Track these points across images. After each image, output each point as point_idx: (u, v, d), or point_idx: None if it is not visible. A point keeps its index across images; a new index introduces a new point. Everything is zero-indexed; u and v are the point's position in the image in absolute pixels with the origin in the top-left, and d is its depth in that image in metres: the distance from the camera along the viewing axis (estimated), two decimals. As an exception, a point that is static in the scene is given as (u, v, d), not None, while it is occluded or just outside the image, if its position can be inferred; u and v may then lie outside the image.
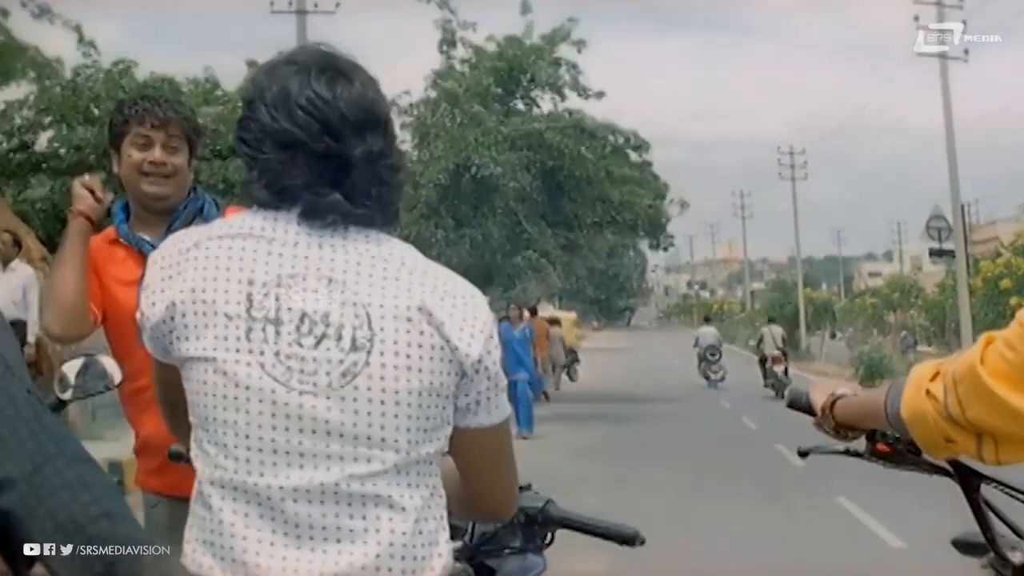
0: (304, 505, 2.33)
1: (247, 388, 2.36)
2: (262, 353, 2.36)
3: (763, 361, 36.03)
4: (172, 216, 4.36)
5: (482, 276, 33.89)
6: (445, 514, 2.49)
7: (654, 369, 45.99)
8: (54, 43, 27.25)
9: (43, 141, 26.26)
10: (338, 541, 2.33)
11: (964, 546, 3.37)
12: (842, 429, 3.13)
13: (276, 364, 2.36)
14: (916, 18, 37.20)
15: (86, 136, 24.64)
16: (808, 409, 3.23)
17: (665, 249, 47.51)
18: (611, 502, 14.04)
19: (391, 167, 2.48)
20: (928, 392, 2.54)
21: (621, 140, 34.27)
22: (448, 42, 33.60)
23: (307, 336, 2.36)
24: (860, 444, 3.27)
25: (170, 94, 26.65)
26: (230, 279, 2.40)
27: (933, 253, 39.45)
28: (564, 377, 38.01)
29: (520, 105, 34.49)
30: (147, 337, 2.52)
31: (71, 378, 4.16)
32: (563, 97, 33.74)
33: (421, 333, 2.38)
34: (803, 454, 3.57)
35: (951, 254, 37.35)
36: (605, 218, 34.59)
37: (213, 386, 2.39)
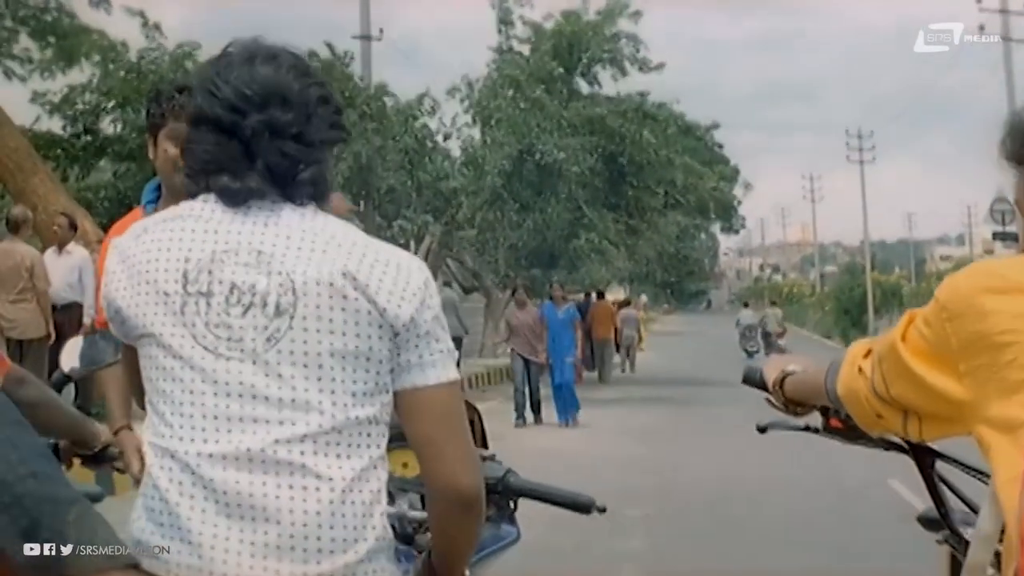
0: (233, 473, 2.40)
1: (180, 358, 2.46)
2: (194, 325, 2.46)
3: (766, 335, 42.28)
4: None
5: (545, 259, 33.93)
6: (383, 487, 2.52)
7: (718, 352, 45.92)
8: (118, 27, 27.35)
9: (107, 125, 26.44)
10: (264, 509, 2.39)
11: (926, 522, 3.39)
12: (791, 405, 3.14)
13: (206, 334, 2.46)
14: (979, 0, 36.91)
15: (150, 120, 24.74)
16: (762, 385, 3.24)
17: (736, 232, 47.48)
18: (658, 483, 14.08)
19: (296, 139, 2.53)
20: (860, 370, 2.56)
21: (682, 124, 34.24)
22: (505, 22, 33.61)
23: (235, 306, 2.46)
24: (818, 420, 3.28)
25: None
26: (170, 259, 2.51)
27: (996, 236, 39.10)
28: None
29: (582, 84, 34.47)
30: (108, 320, 2.65)
31: (76, 352, 4.23)
32: (623, 71, 33.70)
33: (344, 297, 2.45)
34: (762, 429, 3.59)
35: (1014, 237, 36.95)
36: (669, 201, 34.55)
37: (154, 360, 2.51)
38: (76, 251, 14.88)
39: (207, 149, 2.53)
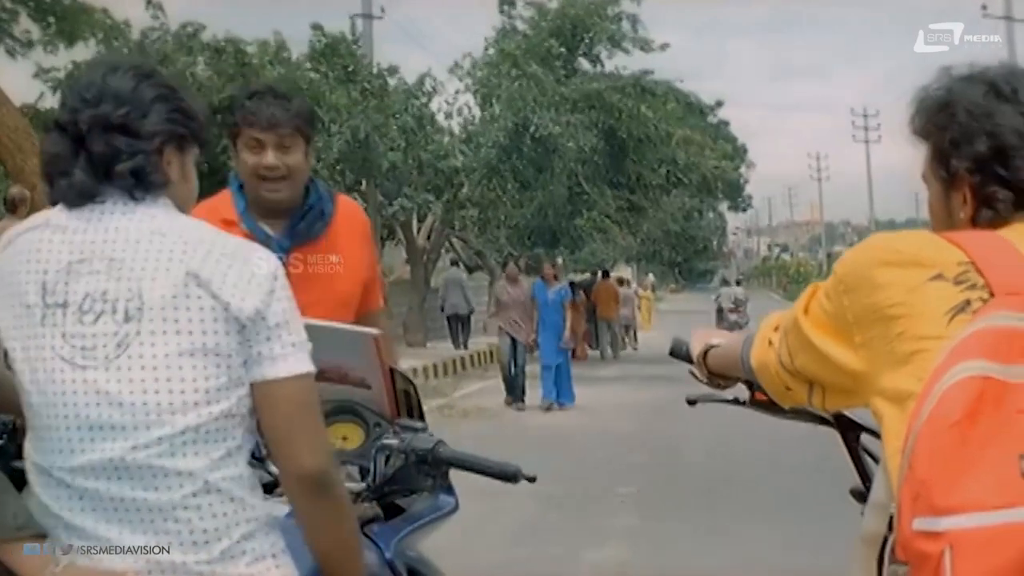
0: (103, 483, 2.49)
1: (43, 372, 2.53)
2: (53, 337, 2.53)
3: (720, 311, 41.30)
4: (291, 213, 4.38)
5: (548, 237, 33.89)
6: (243, 471, 2.59)
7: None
8: (122, 5, 27.30)
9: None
10: (138, 511, 2.48)
11: (858, 495, 3.43)
12: (714, 378, 3.20)
13: (63, 345, 2.52)
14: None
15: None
16: (688, 357, 3.29)
17: (743, 210, 47.29)
18: (653, 461, 14.11)
19: (123, 131, 2.59)
20: (770, 342, 2.62)
21: (684, 102, 34.09)
22: (507, 1, 33.56)
23: (88, 314, 2.52)
24: (745, 393, 3.33)
25: (235, 56, 26.84)
26: (30, 271, 2.58)
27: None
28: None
29: (585, 63, 34.35)
30: None
31: None
32: (625, 51, 33.60)
33: (187, 296, 2.50)
34: (691, 402, 3.65)
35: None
36: (670, 179, 34.47)
37: (21, 374, 2.57)
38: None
39: (48, 151, 2.61)
